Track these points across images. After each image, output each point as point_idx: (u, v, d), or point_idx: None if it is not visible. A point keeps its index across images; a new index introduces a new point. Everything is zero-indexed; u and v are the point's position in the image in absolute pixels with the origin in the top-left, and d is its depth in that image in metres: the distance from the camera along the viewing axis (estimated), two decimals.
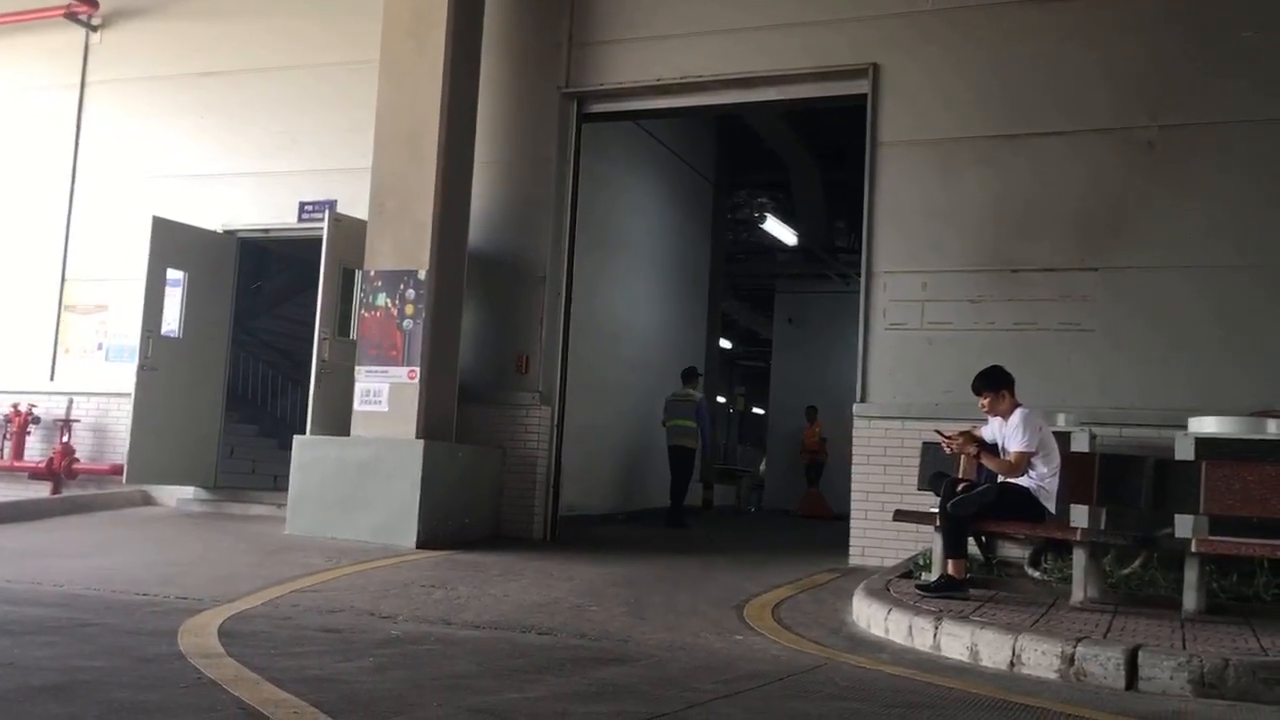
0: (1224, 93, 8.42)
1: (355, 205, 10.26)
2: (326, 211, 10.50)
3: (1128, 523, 7.25)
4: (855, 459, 9.12)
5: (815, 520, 16.10)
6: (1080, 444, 7.64)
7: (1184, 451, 7.34)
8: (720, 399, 22.20)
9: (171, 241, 11.18)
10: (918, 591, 6.62)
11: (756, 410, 24.89)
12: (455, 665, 4.89)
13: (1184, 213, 8.42)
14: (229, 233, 11.73)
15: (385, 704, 3.96)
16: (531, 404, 10.24)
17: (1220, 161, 8.39)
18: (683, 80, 10.16)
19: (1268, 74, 8.31)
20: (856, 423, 9.14)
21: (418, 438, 9.25)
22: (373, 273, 9.67)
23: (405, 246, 9.57)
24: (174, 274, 11.29)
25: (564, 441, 10.51)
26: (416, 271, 9.49)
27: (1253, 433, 7.43)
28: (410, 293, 9.52)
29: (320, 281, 10.16)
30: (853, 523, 9.02)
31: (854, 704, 4.45)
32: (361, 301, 9.77)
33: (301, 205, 11.30)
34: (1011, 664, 5.27)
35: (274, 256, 15.47)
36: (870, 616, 6.30)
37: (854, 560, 8.82)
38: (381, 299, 9.59)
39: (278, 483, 10.08)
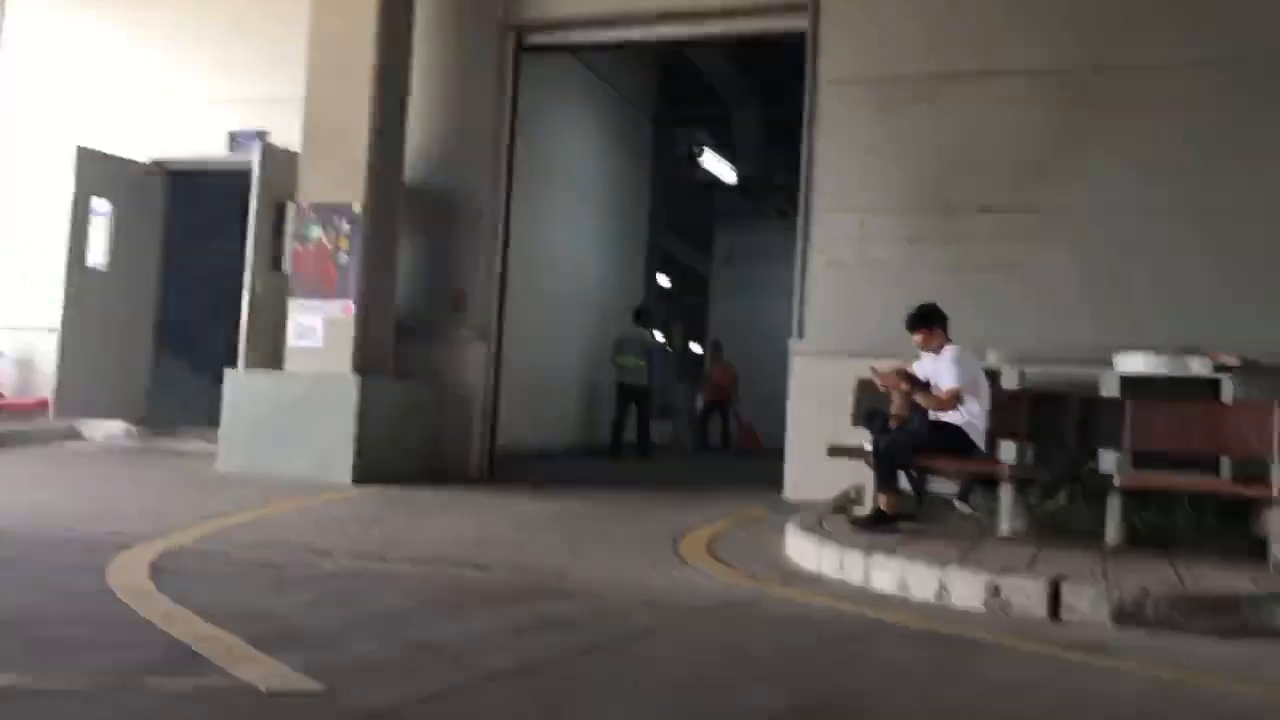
0: (1157, 36, 8.49)
1: (288, 137, 10.04)
2: (257, 142, 10.27)
3: (1054, 458, 7.41)
4: (791, 395, 9.20)
5: (754, 454, 16.36)
6: (1010, 381, 7.76)
7: (1109, 389, 7.50)
8: (659, 337, 22.20)
9: (97, 172, 10.89)
10: (850, 526, 6.73)
11: (695, 348, 25.01)
12: (391, 600, 4.90)
13: (1116, 155, 8.52)
14: (157, 164, 11.44)
15: (320, 639, 3.96)
16: (469, 340, 10.18)
17: (1152, 104, 8.49)
18: (623, 13, 10.03)
19: (1199, 17, 8.39)
20: (793, 360, 9.21)
21: (354, 373, 9.17)
22: (306, 205, 9.50)
23: (339, 179, 9.40)
24: (101, 206, 11.00)
25: (502, 378, 10.47)
26: (351, 204, 9.34)
27: (1176, 371, 7.60)
28: (345, 226, 9.37)
29: (252, 214, 9.96)
30: (788, 458, 9.13)
31: (786, 635, 4.53)
32: (295, 235, 9.60)
33: (232, 136, 11.05)
34: (939, 595, 5.39)
35: (205, 189, 15.11)
36: (803, 550, 6.39)
37: (788, 495, 8.93)
38: (315, 232, 9.44)
39: (211, 419, 9.95)
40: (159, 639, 3.83)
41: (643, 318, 14.32)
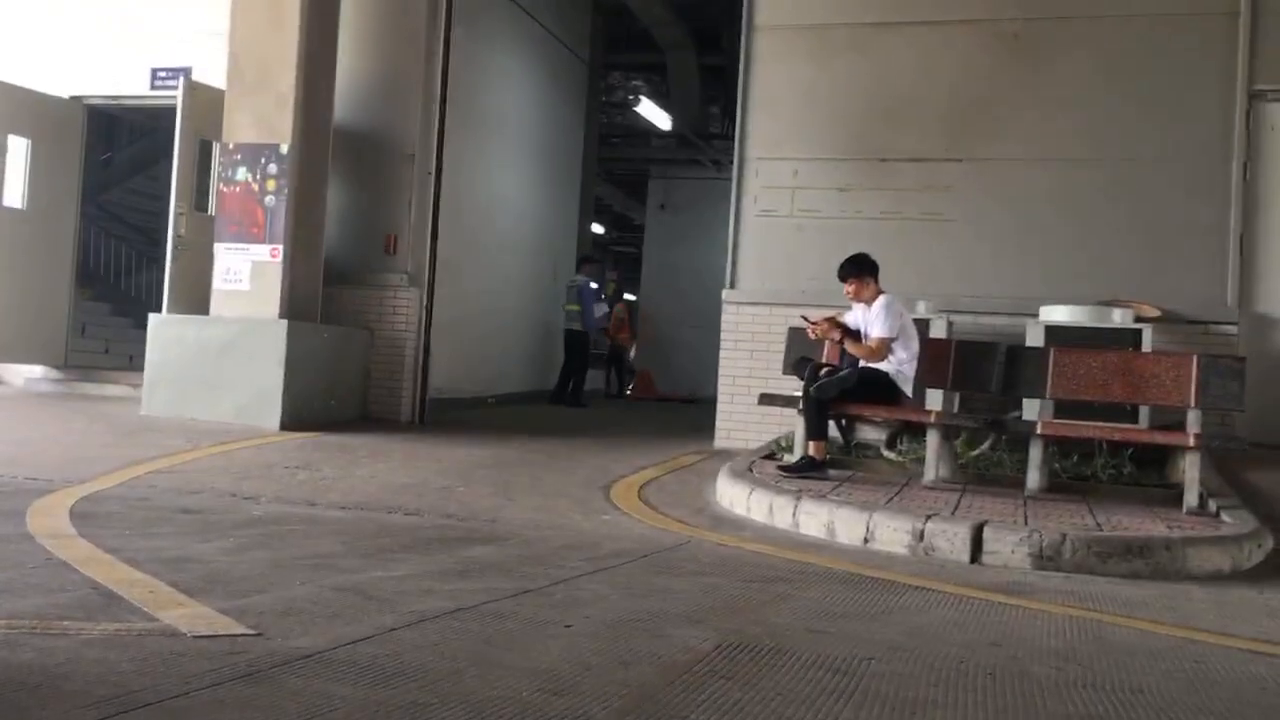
0: None
1: (213, 74, 9.77)
2: (181, 79, 9.97)
3: (979, 406, 7.55)
4: (723, 344, 9.24)
5: (659, 401, 16.76)
6: (938, 330, 7.88)
7: (1034, 339, 7.65)
8: (592, 284, 22.18)
9: (12, 108, 10.53)
10: (779, 472, 6.81)
11: (629, 296, 24.98)
12: (319, 545, 4.87)
13: (1044, 107, 8.62)
14: (75, 99, 11.09)
15: (246, 583, 3.92)
16: (400, 285, 10.06)
17: (1079, 56, 8.60)
18: None
19: None
20: (725, 309, 9.25)
21: (281, 318, 9.02)
22: (232, 145, 9.27)
23: (267, 118, 9.18)
24: (16, 142, 10.65)
25: (433, 323, 10.37)
26: (279, 145, 9.14)
27: (1098, 321, 7.78)
28: (272, 167, 9.17)
29: (175, 154, 9.70)
30: (719, 406, 9.19)
31: (715, 579, 4.58)
32: (220, 176, 9.38)
33: (154, 72, 10.72)
34: (865, 540, 5.49)
35: (125, 126, 14.71)
36: (733, 496, 6.46)
37: (719, 443, 9.01)
38: (242, 173, 9.22)
39: (133, 363, 9.73)
40: (81, 582, 3.76)
41: (579, 264, 14.57)
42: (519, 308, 14.75)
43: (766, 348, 8.68)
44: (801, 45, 9.20)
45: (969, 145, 8.73)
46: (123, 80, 10.87)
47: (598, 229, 24.20)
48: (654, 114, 18.63)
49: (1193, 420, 6.34)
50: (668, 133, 19.55)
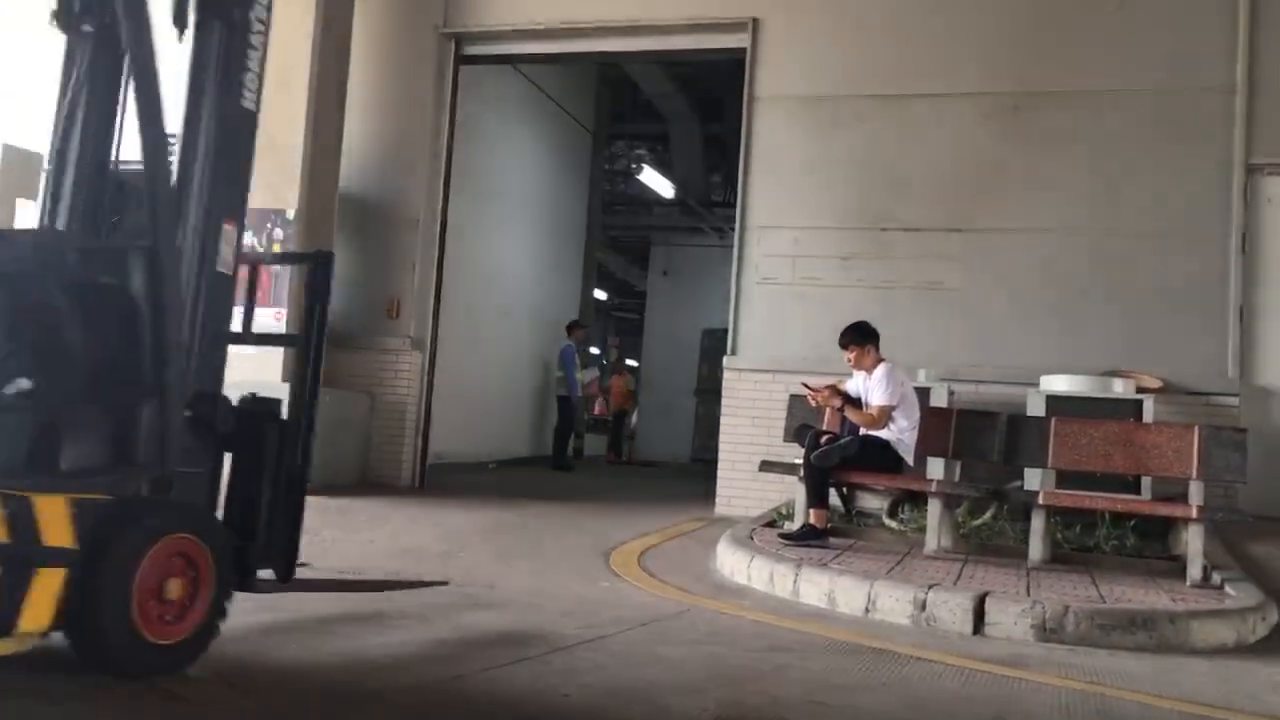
0: (1084, 62, 8.69)
1: None
2: None
3: (981, 476, 7.52)
4: (725, 411, 9.26)
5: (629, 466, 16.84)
6: (939, 399, 7.87)
7: (1035, 408, 7.64)
8: (594, 350, 22.25)
9: (24, 171, 10.62)
10: (780, 540, 6.77)
11: (631, 362, 25.03)
12: (318, 609, 4.83)
13: (1044, 179, 8.70)
14: None
15: (240, 646, 3.88)
16: (402, 349, 10.09)
17: (1078, 130, 8.69)
18: (563, 25, 10.04)
19: (1125, 46, 8.61)
20: (727, 375, 9.27)
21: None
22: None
23: (273, 184, 9.27)
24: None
25: (436, 388, 10.39)
26: (285, 210, 9.22)
27: (1099, 391, 7.78)
28: (278, 232, 9.25)
29: None
30: (720, 473, 9.17)
31: (715, 648, 4.54)
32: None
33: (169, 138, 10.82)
34: (867, 610, 5.44)
35: (136, 192, 14.83)
36: (734, 564, 6.42)
37: (720, 510, 8.97)
38: (247, 238, 9.27)
39: None
40: None
41: (570, 331, 14.67)
42: (521, 372, 14.81)
43: (768, 414, 8.67)
44: (802, 116, 9.32)
45: (970, 216, 8.80)
46: (128, 144, 10.97)
47: (600, 295, 24.31)
48: (657, 182, 18.84)
49: (1195, 492, 6.31)
50: (670, 200, 19.73)
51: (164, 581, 3.25)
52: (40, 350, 3.20)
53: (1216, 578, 5.99)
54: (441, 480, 10.45)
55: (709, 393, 17.02)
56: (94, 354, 3.26)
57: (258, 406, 3.97)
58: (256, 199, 9.29)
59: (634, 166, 18.79)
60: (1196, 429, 6.45)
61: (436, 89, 10.32)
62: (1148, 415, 7.49)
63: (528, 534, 7.68)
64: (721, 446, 9.23)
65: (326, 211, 9.66)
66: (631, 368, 22.60)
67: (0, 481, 2.87)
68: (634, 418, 19.70)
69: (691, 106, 16.66)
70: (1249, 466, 6.42)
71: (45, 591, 2.91)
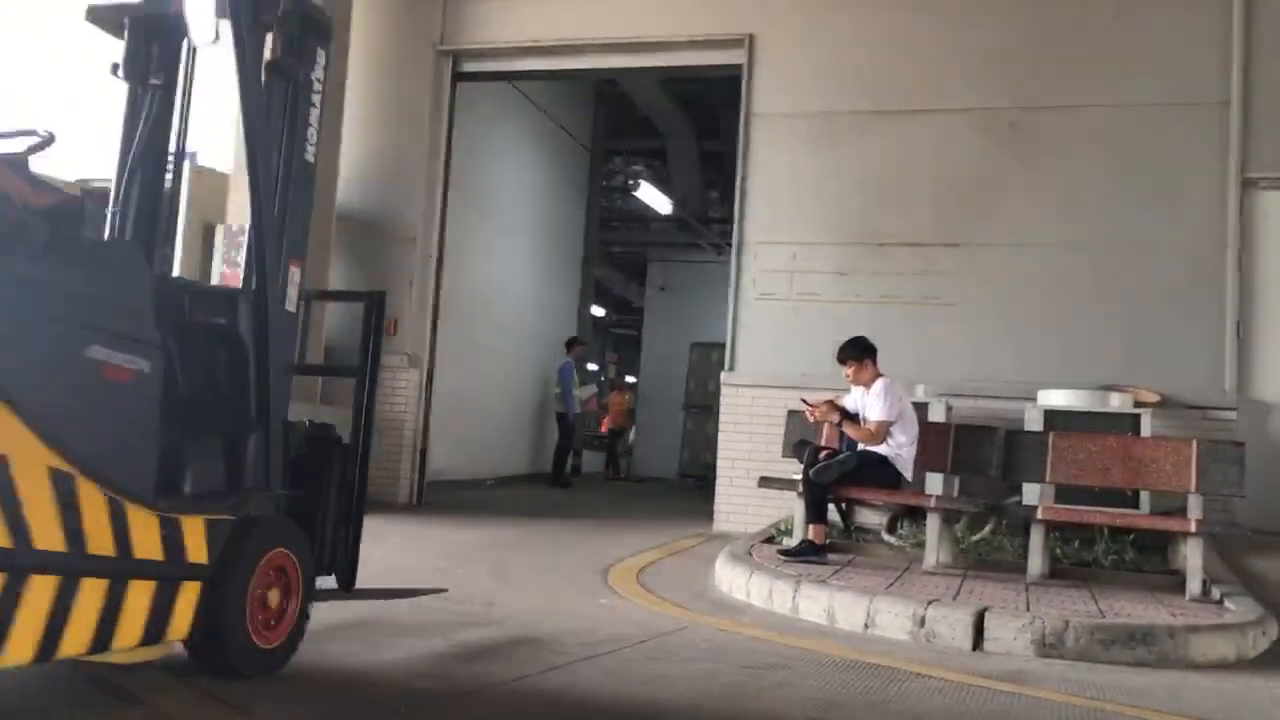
0: (1080, 78, 8.73)
1: (218, 158, 9.90)
2: (187, 163, 10.08)
3: (979, 491, 7.51)
4: (722, 427, 9.25)
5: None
6: (937, 414, 7.87)
7: (1033, 423, 7.64)
8: (593, 367, 22.25)
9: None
10: (779, 556, 6.75)
11: (629, 378, 25.03)
12: (313, 627, 4.80)
13: (1040, 193, 8.73)
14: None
15: None
16: (400, 366, 10.09)
17: (1074, 144, 8.71)
18: (560, 42, 10.08)
19: (1120, 60, 8.65)
20: (725, 391, 9.27)
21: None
22: (236, 228, 9.35)
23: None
24: None
25: (433, 405, 10.38)
26: None
27: (1097, 406, 7.77)
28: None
29: (179, 237, 9.77)
30: (718, 489, 9.16)
31: (713, 665, 4.52)
32: (224, 258, 9.44)
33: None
34: (866, 625, 5.42)
35: None
36: (732, 580, 6.40)
37: (719, 526, 8.96)
38: (245, 256, 9.26)
39: None
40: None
41: (570, 347, 14.80)
42: (518, 389, 14.81)
43: (766, 430, 8.67)
44: (799, 132, 9.34)
45: (966, 230, 8.82)
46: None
47: (598, 311, 24.32)
48: (654, 198, 18.86)
49: (1194, 506, 6.30)
50: (667, 216, 19.75)
51: (267, 591, 3.62)
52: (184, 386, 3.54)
53: (1216, 592, 5.97)
54: (440, 498, 10.43)
55: (697, 408, 16.99)
56: (213, 389, 3.61)
57: (319, 432, 4.33)
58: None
59: (631, 183, 18.81)
60: (1194, 443, 6.45)
61: (434, 106, 10.35)
62: (1145, 429, 7.49)
63: (526, 551, 7.66)
64: (720, 462, 9.22)
65: (324, 228, 9.66)
66: (629, 384, 22.60)
67: (153, 505, 3.13)
68: (631, 434, 19.70)
69: (688, 123, 16.70)
70: (1247, 480, 6.41)
71: (187, 603, 3.26)
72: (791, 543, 7.01)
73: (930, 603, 5.38)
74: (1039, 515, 6.39)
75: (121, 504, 2.99)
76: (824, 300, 9.03)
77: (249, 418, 3.65)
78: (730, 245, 9.66)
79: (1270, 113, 8.27)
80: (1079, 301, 8.53)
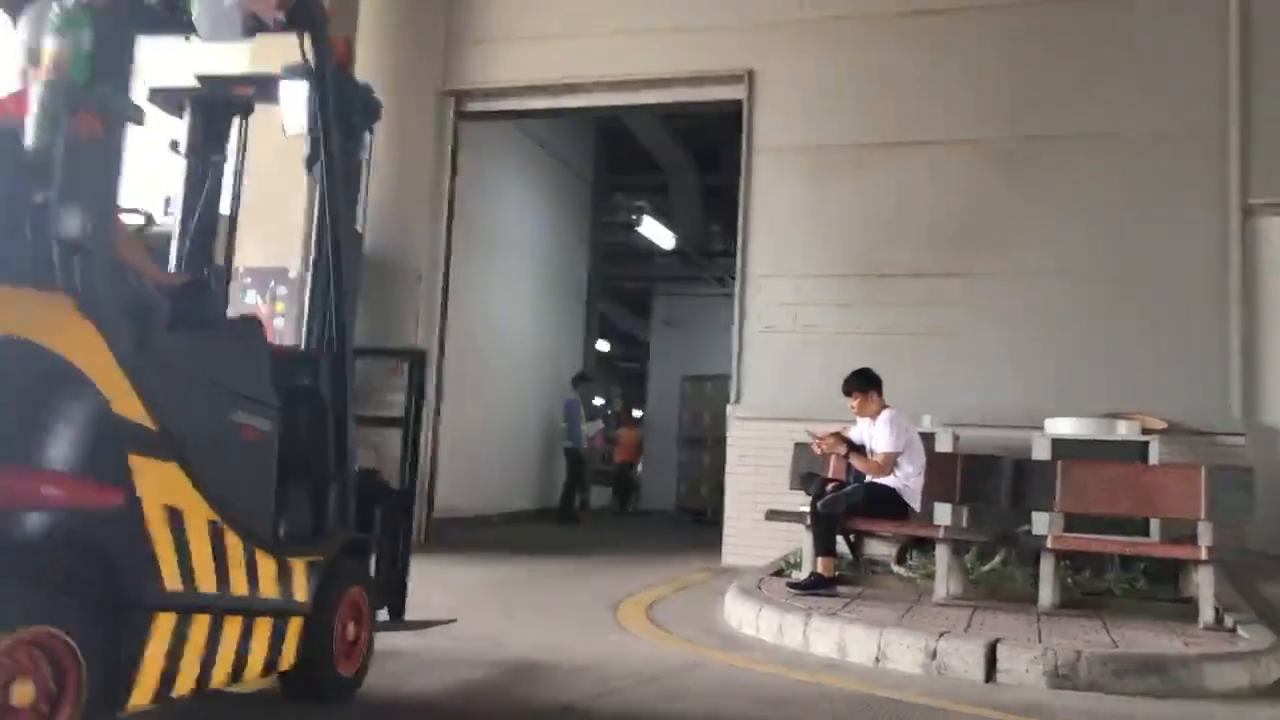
0: (1078, 107, 8.77)
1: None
2: None
3: (988, 520, 7.49)
4: (729, 460, 9.25)
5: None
6: (944, 444, 7.86)
7: (1041, 452, 7.62)
8: (600, 401, 22.24)
9: None
10: (788, 589, 6.73)
11: (635, 413, 25.04)
12: None
13: (1041, 223, 8.75)
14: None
15: (249, 700, 3.86)
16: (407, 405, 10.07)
17: (1073, 174, 8.75)
18: (562, 81, 10.16)
19: (1115, 90, 8.69)
20: (731, 424, 9.27)
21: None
22: (241, 269, 9.40)
23: (275, 242, 9.32)
24: None
25: (440, 443, 10.38)
26: (287, 269, 9.27)
27: (1104, 434, 7.76)
28: (281, 290, 9.29)
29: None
30: (726, 523, 9.14)
31: (724, 701, 4.50)
32: (271, 294, 9.48)
33: (167, 200, 10.91)
34: (877, 659, 5.39)
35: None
36: (742, 615, 6.38)
37: (727, 560, 8.93)
38: (251, 297, 9.34)
39: None
40: None
41: (576, 383, 14.86)
42: (524, 426, 14.81)
43: (773, 463, 8.65)
44: (800, 165, 9.39)
45: (969, 260, 8.84)
46: (141, 208, 11.05)
47: (603, 346, 24.33)
48: (657, 233, 18.91)
49: (1204, 533, 6.28)
50: (671, 251, 19.81)
51: (346, 624, 3.99)
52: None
53: (1229, 620, 5.94)
54: (447, 535, 10.40)
55: (693, 440, 16.87)
56: (303, 443, 3.87)
57: (369, 478, 4.58)
58: (258, 259, 9.45)
59: (634, 218, 18.87)
60: (1203, 469, 6.43)
61: (437, 146, 10.42)
62: (1153, 456, 7.47)
63: (534, 588, 7.64)
64: (727, 495, 9.21)
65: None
66: (637, 418, 22.59)
67: (271, 550, 3.47)
68: (639, 469, 19.69)
69: (690, 158, 16.78)
70: (1256, 505, 6.39)
71: (293, 636, 3.61)
72: (801, 576, 6.99)
73: (942, 635, 5.36)
74: (1049, 544, 6.37)
75: (253, 550, 3.33)
76: (827, 332, 9.05)
77: (330, 468, 3.98)
78: (734, 279, 9.69)
79: (1269, 139, 8.30)
80: (1083, 329, 8.54)
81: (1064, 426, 7.84)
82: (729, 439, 9.30)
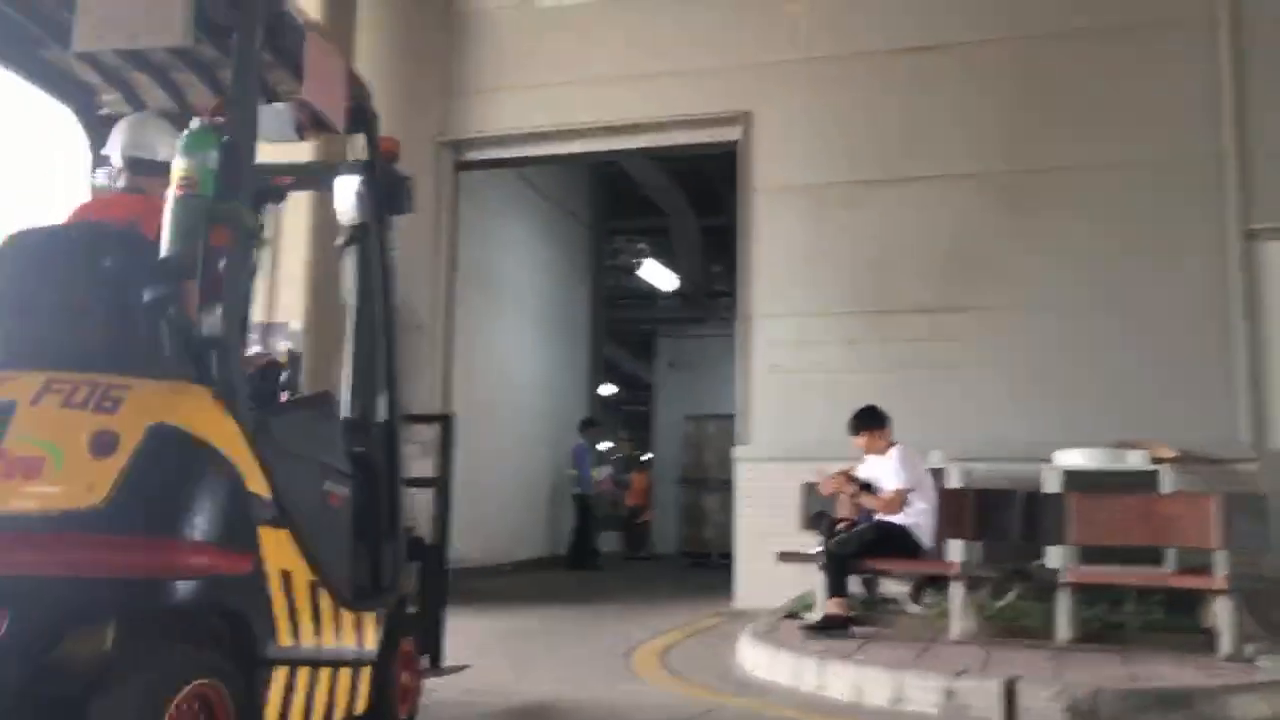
0: (1076, 137, 8.80)
1: None
2: None
3: (1002, 555, 7.42)
4: (738, 501, 9.20)
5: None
6: (954, 480, 7.82)
7: (1052, 484, 7.57)
8: (607, 444, 22.22)
9: None
10: (802, 632, 6.66)
11: (645, 455, 24.99)
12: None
13: (1043, 254, 8.74)
14: None
15: None
16: (413, 456, 10.03)
17: (1072, 205, 8.75)
18: (559, 128, 10.21)
19: (1110, 121, 8.72)
20: (738, 466, 9.23)
21: None
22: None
23: (277, 296, 9.34)
24: None
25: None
26: (288, 323, 9.28)
27: (1114, 464, 7.71)
28: (284, 344, 9.28)
29: None
30: (737, 565, 9.07)
31: None
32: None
33: None
34: (895, 700, 5.32)
35: None
36: (757, 659, 6.31)
37: (739, 603, 8.85)
38: (253, 351, 9.32)
39: None
40: None
41: (584, 429, 14.89)
42: (531, 473, 14.77)
43: (782, 503, 8.60)
44: (799, 204, 9.41)
45: (971, 294, 8.83)
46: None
47: (608, 389, 24.33)
48: (658, 275, 18.97)
49: (1220, 562, 6.22)
50: (673, 292, 19.85)
51: (401, 672, 4.29)
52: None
53: (1248, 650, 5.87)
54: (458, 585, 10.30)
55: (694, 481, 16.71)
56: (365, 506, 4.12)
57: (409, 535, 4.79)
58: (261, 313, 9.43)
59: (635, 261, 18.95)
60: (1215, 498, 6.38)
61: (436, 195, 10.46)
62: (1165, 486, 7.43)
63: (546, 638, 7.58)
64: (737, 537, 9.14)
65: (331, 321, 9.69)
66: (645, 461, 22.53)
67: (351, 606, 3.74)
68: (650, 513, 19.62)
69: (689, 199, 16.84)
70: (1272, 532, 6.34)
71: (364, 684, 3.92)
72: (814, 617, 6.93)
73: (959, 674, 5.30)
74: (1064, 578, 6.32)
75: (337, 606, 3.62)
76: (832, 370, 9.02)
77: (385, 529, 4.24)
78: (737, 319, 9.69)
79: (1267, 166, 8.31)
80: (1088, 359, 8.51)
81: (1074, 458, 7.79)
82: (737, 480, 9.24)
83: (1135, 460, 7.75)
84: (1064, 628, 6.28)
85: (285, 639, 3.22)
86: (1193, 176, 8.50)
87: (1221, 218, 8.35)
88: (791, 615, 7.50)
